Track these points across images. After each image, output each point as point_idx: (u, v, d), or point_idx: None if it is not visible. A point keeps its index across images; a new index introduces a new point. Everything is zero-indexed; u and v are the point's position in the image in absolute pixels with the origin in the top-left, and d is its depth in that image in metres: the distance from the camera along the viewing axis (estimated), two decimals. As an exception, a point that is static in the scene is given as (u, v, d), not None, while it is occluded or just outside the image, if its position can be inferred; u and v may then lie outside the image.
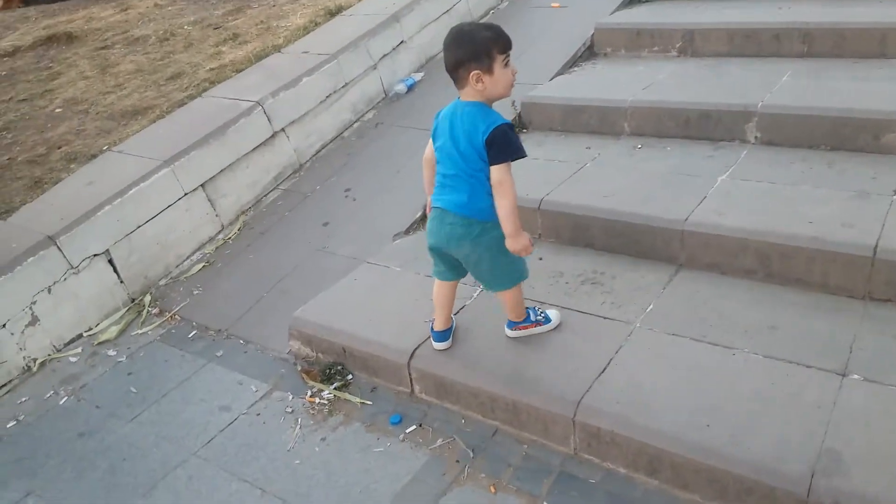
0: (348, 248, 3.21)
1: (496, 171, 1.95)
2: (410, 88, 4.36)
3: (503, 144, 1.94)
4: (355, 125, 4.18)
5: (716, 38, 3.97)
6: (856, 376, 1.99)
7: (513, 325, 2.36)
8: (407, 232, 3.22)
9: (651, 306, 2.45)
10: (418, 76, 4.46)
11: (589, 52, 4.41)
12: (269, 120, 3.70)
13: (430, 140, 2.16)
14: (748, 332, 2.24)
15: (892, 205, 2.50)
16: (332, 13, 4.73)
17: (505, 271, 2.17)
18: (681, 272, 2.64)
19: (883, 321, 2.19)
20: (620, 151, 3.37)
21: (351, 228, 3.35)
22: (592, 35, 4.40)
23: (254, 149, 3.64)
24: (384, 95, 4.35)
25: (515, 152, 1.96)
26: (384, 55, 4.30)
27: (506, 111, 3.87)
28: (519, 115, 3.86)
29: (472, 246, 2.07)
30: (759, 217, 2.57)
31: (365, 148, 3.96)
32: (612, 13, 4.60)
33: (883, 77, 3.26)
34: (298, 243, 3.33)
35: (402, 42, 4.40)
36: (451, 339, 2.38)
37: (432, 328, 2.37)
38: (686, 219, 2.63)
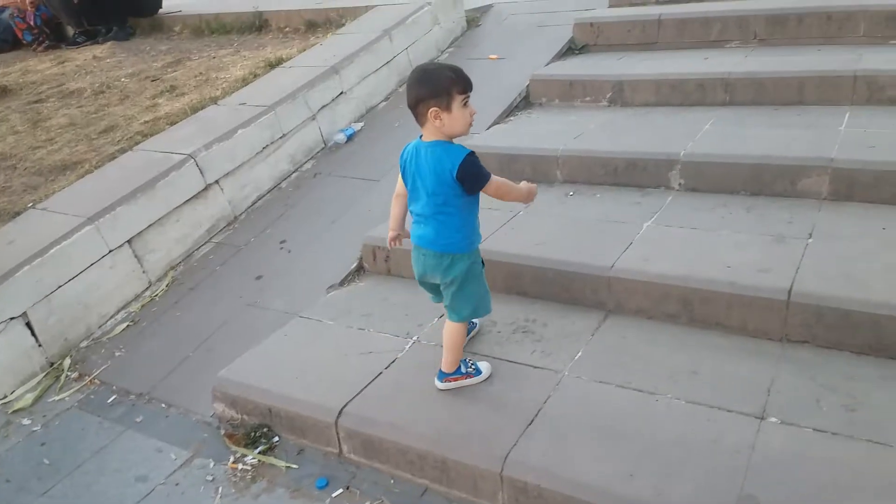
0: (281, 302, 3.15)
1: (490, 187, 2.13)
2: (350, 138, 4.39)
3: (474, 176, 2.07)
4: (293, 175, 4.17)
5: (644, 89, 4.12)
6: (773, 419, 2.01)
7: (444, 376, 2.35)
8: (342, 284, 3.18)
9: (580, 353, 2.46)
10: (358, 126, 4.49)
11: (525, 102, 4.53)
12: (201, 172, 3.65)
13: (400, 177, 2.23)
14: (671, 377, 2.27)
15: (806, 248, 2.59)
16: (273, 65, 4.76)
17: (469, 301, 2.25)
18: (609, 318, 2.66)
19: (799, 363, 2.24)
20: (553, 199, 3.43)
21: (284, 281, 3.30)
22: (528, 86, 4.52)
23: (185, 202, 3.58)
24: (323, 145, 4.36)
25: (486, 177, 2.10)
26: (323, 106, 4.33)
27: (442, 161, 3.92)
28: (456, 165, 3.90)
29: (443, 274, 2.19)
30: (682, 263, 2.62)
31: (302, 198, 3.95)
32: (546, 64, 4.75)
33: (800, 124, 3.42)
34: (229, 299, 3.26)
35: (341, 93, 4.44)
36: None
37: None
38: (612, 266, 2.68)
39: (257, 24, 5.95)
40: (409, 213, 2.26)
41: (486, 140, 3.97)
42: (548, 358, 2.46)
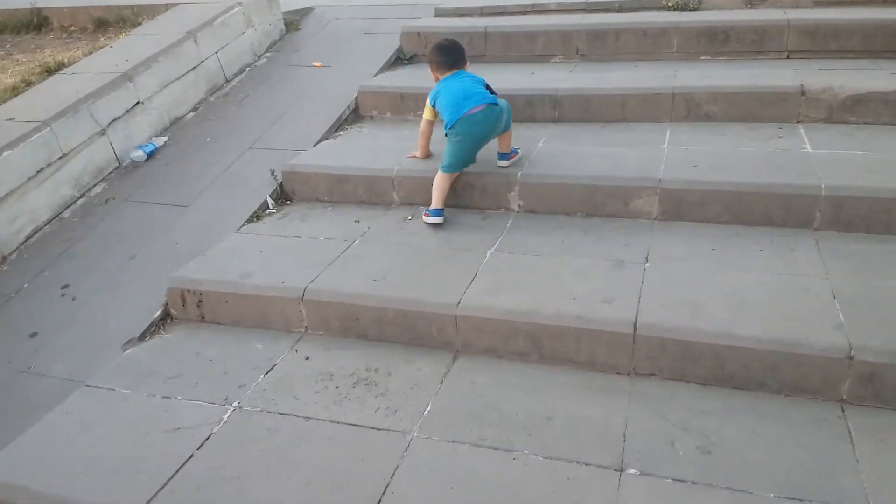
0: (62, 365, 2.56)
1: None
2: (150, 155, 3.79)
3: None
4: (80, 202, 3.50)
5: (475, 103, 3.99)
6: (632, 470, 1.90)
7: (506, 156, 3.23)
8: (142, 337, 2.66)
9: (429, 407, 2.21)
10: (161, 141, 3.90)
11: (354, 115, 4.22)
12: (-50, 206, 2.91)
13: (429, 105, 3.20)
14: (527, 428, 2.09)
15: (645, 273, 2.56)
16: (51, 70, 4.00)
17: (509, 115, 3.23)
18: (458, 360, 2.45)
19: (649, 399, 2.17)
20: (390, 224, 3.17)
21: (67, 338, 2.70)
22: (357, 97, 4.21)
23: (-73, 245, 2.83)
24: (118, 164, 3.72)
25: None
26: (115, 118, 3.69)
27: (265, 182, 3.50)
28: (280, 186, 3.50)
29: (499, 117, 3.13)
30: (528, 295, 2.48)
31: (91, 230, 3.31)
32: (375, 74, 4.47)
33: (626, 141, 3.46)
34: (-8, 366, 2.60)
35: (137, 103, 3.82)
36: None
37: (431, 209, 3.09)
38: (458, 302, 2.46)
39: (35, 22, 5.03)
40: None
41: (315, 158, 3.60)
42: (394, 416, 2.18)
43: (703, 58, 4.18)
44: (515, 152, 3.29)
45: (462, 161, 3.13)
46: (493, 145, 3.22)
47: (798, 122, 3.45)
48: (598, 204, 3.07)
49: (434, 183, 3.10)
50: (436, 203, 3.10)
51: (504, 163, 3.24)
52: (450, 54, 3.22)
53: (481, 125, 3.05)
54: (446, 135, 3.08)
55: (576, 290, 2.48)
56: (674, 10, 4.52)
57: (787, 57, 4.02)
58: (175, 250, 3.06)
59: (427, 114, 3.24)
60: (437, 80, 3.22)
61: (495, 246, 2.87)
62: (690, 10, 4.48)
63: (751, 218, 2.85)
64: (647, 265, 2.62)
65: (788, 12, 4.20)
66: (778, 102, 3.46)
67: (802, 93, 3.41)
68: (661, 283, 2.49)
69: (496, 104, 3.11)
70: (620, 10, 4.71)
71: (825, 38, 3.91)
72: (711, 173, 2.98)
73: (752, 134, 3.36)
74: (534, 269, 2.66)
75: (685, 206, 2.94)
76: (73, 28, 4.95)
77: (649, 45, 4.26)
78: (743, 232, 2.81)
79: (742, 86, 3.54)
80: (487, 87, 3.17)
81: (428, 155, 3.40)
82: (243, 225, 3.23)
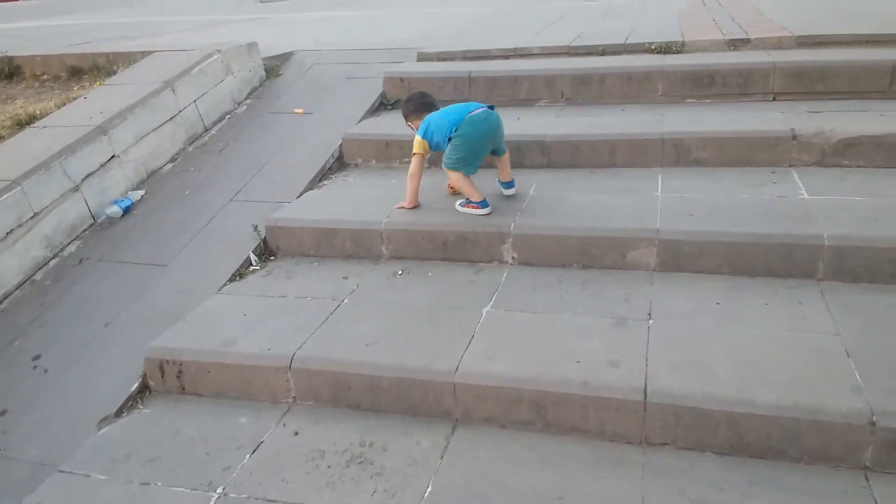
0: (33, 448, 2.38)
1: None
2: (127, 210, 3.64)
3: None
4: (52, 263, 3.33)
5: (463, 150, 3.91)
6: (654, 558, 1.77)
7: (510, 184, 3.36)
8: (119, 414, 2.49)
9: (430, 488, 2.06)
10: (137, 195, 3.75)
11: (339, 164, 4.11)
12: (-90, 275, 2.73)
13: (419, 139, 3.21)
14: (537, 510, 1.95)
15: (649, 331, 2.46)
16: (22, 123, 3.85)
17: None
18: (458, 430, 2.31)
19: (664, 472, 2.05)
20: (380, 280, 3.04)
21: (39, 416, 2.52)
22: (341, 145, 4.12)
23: None
24: (93, 221, 3.57)
25: None
26: (90, 173, 3.54)
27: (247, 237, 3.36)
28: (264, 241, 3.36)
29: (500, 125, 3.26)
30: (529, 359, 2.36)
31: (64, 294, 3.13)
32: (359, 121, 4.39)
33: (618, 189, 3.39)
34: (-46, 452, 2.40)
35: (113, 157, 3.68)
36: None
37: (475, 201, 3.19)
38: (456, 368, 2.33)
39: (7, 71, 4.88)
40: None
41: (299, 211, 3.48)
42: (392, 501, 2.02)
43: (688, 100, 4.16)
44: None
45: (468, 156, 3.14)
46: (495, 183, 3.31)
47: (791, 165, 3.42)
48: (595, 256, 2.98)
49: (455, 184, 3.23)
50: (474, 196, 3.18)
51: (510, 190, 3.36)
52: (425, 97, 3.40)
53: (484, 123, 3.15)
54: (449, 138, 3.13)
55: (579, 352, 2.36)
56: (657, 52, 4.53)
57: (774, 99, 4.01)
58: (153, 314, 2.90)
59: (418, 147, 3.21)
60: (417, 127, 3.26)
61: (491, 303, 2.76)
62: (674, 53, 4.49)
63: (752, 269, 2.78)
64: (650, 322, 2.52)
65: (773, 54, 4.21)
66: (769, 147, 3.43)
67: (794, 137, 3.38)
68: (668, 342, 2.39)
69: (493, 108, 3.22)
70: (604, 53, 4.70)
71: (811, 80, 3.91)
72: (708, 223, 2.91)
73: (745, 179, 3.32)
74: (533, 329, 2.55)
75: (684, 258, 2.86)
76: (45, 77, 4.82)
77: (634, 89, 4.24)
78: (746, 284, 2.73)
79: (732, 131, 3.51)
80: None
81: (417, 204, 3.32)
82: (225, 284, 3.08)
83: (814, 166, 3.38)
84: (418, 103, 3.37)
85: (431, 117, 3.22)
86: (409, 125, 3.48)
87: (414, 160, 3.25)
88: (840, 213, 2.85)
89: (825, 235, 2.69)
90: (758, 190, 3.19)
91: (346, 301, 2.86)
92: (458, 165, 3.15)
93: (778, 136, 3.41)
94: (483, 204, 3.19)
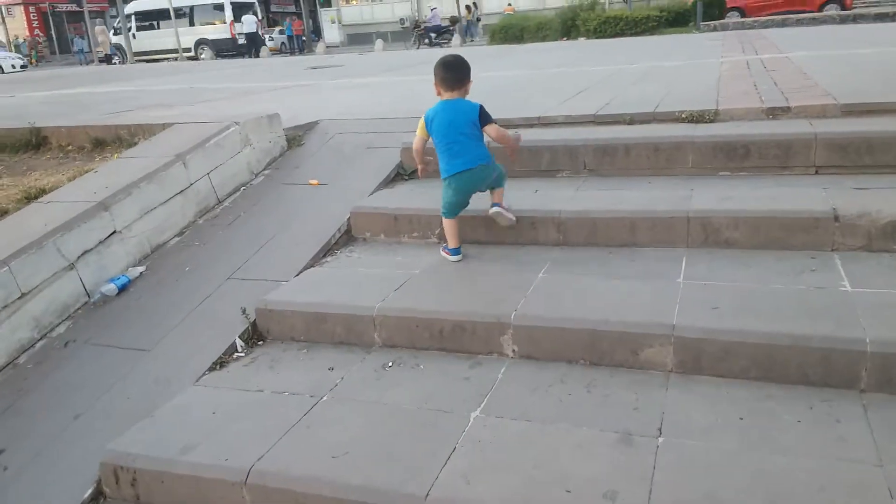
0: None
1: (491, 129, 3.31)
2: (123, 288, 3.54)
3: (486, 114, 3.28)
4: (39, 344, 3.22)
5: (473, 225, 3.69)
6: None
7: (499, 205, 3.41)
8: (74, 519, 2.29)
9: None
10: (137, 271, 3.66)
11: (346, 237, 3.95)
12: None
13: (423, 124, 3.35)
14: None
15: (657, 454, 2.11)
16: (31, 197, 3.85)
17: (501, 173, 3.44)
18: (427, 566, 2.00)
19: None
20: (367, 374, 2.80)
21: (-15, 522, 2.35)
22: (349, 218, 3.96)
23: None
24: (87, 299, 3.47)
25: (491, 118, 3.31)
26: (87, 250, 3.47)
27: (237, 320, 3.19)
28: (253, 325, 3.18)
29: (489, 174, 3.34)
30: (513, 482, 2.05)
31: (43, 380, 3.00)
32: (372, 192, 4.24)
33: (636, 273, 3.09)
34: None
35: (114, 232, 3.61)
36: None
37: (449, 248, 3.41)
38: (427, 494, 2.04)
39: (34, 142, 4.99)
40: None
41: (292, 293, 3.29)
42: None
43: (721, 173, 3.84)
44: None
45: (457, 205, 3.37)
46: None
47: (833, 249, 3.05)
48: (604, 352, 2.67)
49: (444, 228, 3.45)
50: (452, 243, 3.41)
51: (498, 210, 3.41)
52: (452, 71, 3.28)
53: (471, 182, 3.32)
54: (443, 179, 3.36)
55: (572, 477, 2.04)
56: (688, 122, 4.25)
57: (816, 172, 3.66)
58: (124, 408, 2.73)
59: (420, 132, 3.39)
60: (438, 93, 3.34)
61: (481, 406, 2.47)
62: (706, 123, 4.21)
63: (784, 375, 2.41)
64: (660, 440, 2.18)
65: (815, 123, 3.88)
66: (809, 229, 3.07)
67: (836, 218, 3.02)
68: (678, 469, 2.04)
69: (488, 165, 3.31)
70: (631, 122, 4.46)
71: (858, 153, 3.55)
72: (735, 319, 2.56)
73: (780, 266, 2.96)
74: (524, 443, 2.24)
75: (705, 359, 2.52)
76: (70, 148, 4.90)
77: (662, 161, 3.96)
78: (776, 393, 2.36)
79: (766, 209, 3.17)
80: (482, 113, 3.25)
81: (426, 166, 3.55)
82: (205, 374, 2.89)
83: (859, 251, 3.00)
84: (439, 74, 3.29)
85: (438, 116, 3.27)
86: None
87: (415, 140, 3.45)
88: (888, 312, 2.47)
89: (868, 340, 2.30)
90: (793, 279, 2.83)
91: (325, 398, 2.62)
92: (447, 215, 3.37)
93: (818, 216, 3.06)
94: (455, 252, 3.40)
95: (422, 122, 3.34)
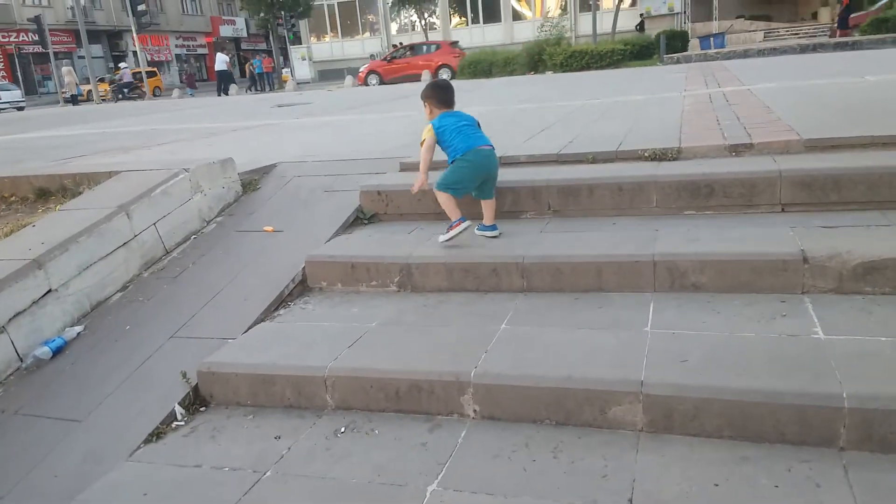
0: None
1: None
2: (59, 351, 3.29)
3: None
4: (-38, 419, 2.95)
5: (434, 273, 3.53)
6: None
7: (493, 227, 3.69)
8: None
9: None
10: (74, 332, 3.41)
11: (301, 288, 3.75)
12: None
13: (430, 127, 3.62)
14: None
15: (626, 532, 1.93)
16: (-40, 255, 3.59)
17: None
18: None
19: None
20: (317, 442, 2.58)
21: None
22: (304, 268, 3.77)
23: None
24: (20, 364, 3.21)
25: None
26: (18, 313, 3.23)
27: (178, 385, 2.96)
28: (195, 389, 2.95)
29: (496, 163, 3.70)
30: (470, 573, 1.85)
31: (-40, 461, 2.73)
32: (329, 239, 4.06)
33: (602, 322, 2.94)
34: None
35: (49, 291, 3.38)
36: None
37: (454, 220, 3.53)
38: (373, 589, 1.83)
39: (-24, 194, 4.74)
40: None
41: (238, 353, 3.07)
42: None
43: (686, 212, 3.74)
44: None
45: (468, 180, 3.55)
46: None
47: (803, 292, 2.94)
48: (571, 411, 2.50)
49: (441, 203, 3.56)
50: (453, 215, 3.53)
51: (491, 233, 3.67)
52: (447, 92, 3.77)
53: (488, 159, 3.59)
54: (452, 162, 3.57)
55: (534, 564, 1.85)
56: (650, 160, 4.17)
57: (783, 210, 3.57)
58: (51, 487, 2.48)
59: (427, 133, 3.60)
60: (431, 111, 3.70)
61: (439, 478, 2.27)
62: (669, 160, 4.12)
63: (760, 434, 2.26)
64: (629, 514, 2.00)
65: (779, 160, 3.81)
66: (777, 271, 2.96)
67: (805, 260, 2.92)
68: (648, 550, 1.86)
69: (495, 153, 3.67)
70: (594, 161, 4.36)
71: (823, 190, 3.47)
72: (705, 373, 2.41)
73: (749, 311, 2.83)
74: (483, 523, 2.04)
75: (677, 417, 2.36)
76: (13, 199, 4.65)
77: (626, 201, 3.85)
78: (751, 454, 2.20)
79: (734, 252, 3.07)
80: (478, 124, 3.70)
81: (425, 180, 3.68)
82: (140, 447, 2.65)
83: (830, 293, 2.89)
84: (442, 98, 3.72)
85: (446, 123, 3.60)
86: (425, 106, 3.80)
87: (424, 143, 3.63)
88: (863, 362, 2.34)
89: (845, 395, 2.17)
90: (764, 326, 2.70)
91: (267, 475, 2.39)
92: (452, 187, 3.53)
93: (787, 259, 2.95)
94: (462, 219, 3.51)
95: (429, 126, 3.61)
